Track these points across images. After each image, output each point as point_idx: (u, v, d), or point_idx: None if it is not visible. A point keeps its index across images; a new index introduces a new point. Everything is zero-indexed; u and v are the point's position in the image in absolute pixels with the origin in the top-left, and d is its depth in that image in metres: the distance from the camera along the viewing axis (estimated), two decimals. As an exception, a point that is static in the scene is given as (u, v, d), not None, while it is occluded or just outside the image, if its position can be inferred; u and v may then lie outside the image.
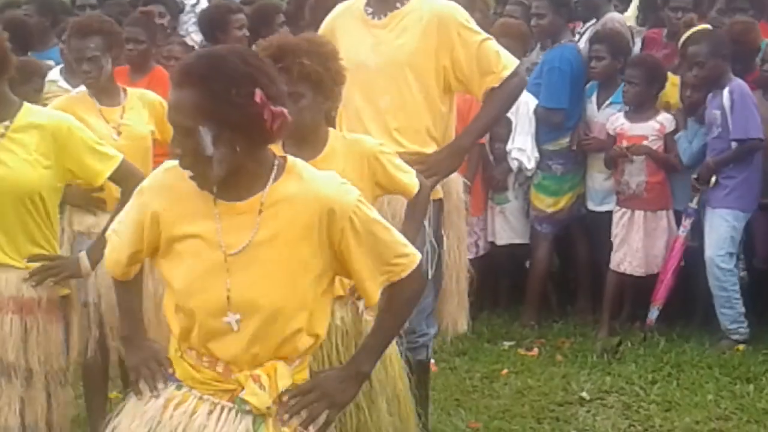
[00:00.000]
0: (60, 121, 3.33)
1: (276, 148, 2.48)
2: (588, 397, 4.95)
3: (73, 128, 3.33)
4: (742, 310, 5.42)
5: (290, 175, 2.37)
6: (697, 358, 5.35)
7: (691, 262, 5.56)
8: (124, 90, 4.36)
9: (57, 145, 3.27)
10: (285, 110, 2.28)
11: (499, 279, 6.23)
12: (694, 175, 5.46)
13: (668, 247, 5.61)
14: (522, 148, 5.73)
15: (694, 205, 5.52)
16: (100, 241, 3.15)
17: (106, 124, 4.17)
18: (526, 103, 5.64)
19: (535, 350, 5.54)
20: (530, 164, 5.77)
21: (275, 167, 2.37)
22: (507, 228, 5.93)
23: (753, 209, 5.43)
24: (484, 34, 3.90)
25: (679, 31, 5.72)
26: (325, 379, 2.47)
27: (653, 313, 5.62)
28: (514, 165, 5.81)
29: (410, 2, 3.87)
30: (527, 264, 6.09)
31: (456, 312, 4.23)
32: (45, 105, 5.43)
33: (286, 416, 2.36)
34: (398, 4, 3.87)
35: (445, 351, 5.30)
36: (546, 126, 5.80)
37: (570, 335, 5.77)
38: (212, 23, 6.03)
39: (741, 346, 5.39)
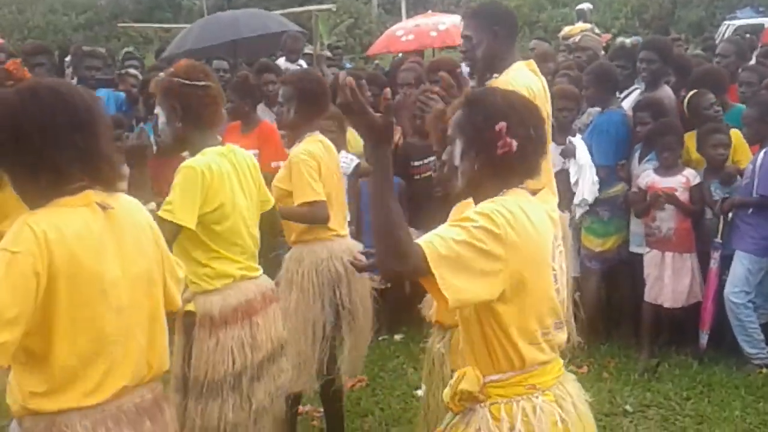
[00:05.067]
0: None
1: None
2: (631, 410, 4.96)
3: None
4: (760, 337, 5.37)
5: None
6: (725, 379, 5.31)
7: (721, 295, 5.49)
8: None
9: None
10: (515, 144, 2.30)
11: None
12: (718, 205, 5.45)
13: (691, 284, 5.58)
14: (589, 201, 5.72)
15: (718, 239, 5.49)
16: None
17: None
18: (587, 160, 5.67)
19: (585, 368, 5.54)
20: (577, 215, 5.79)
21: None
22: (562, 263, 5.98)
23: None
24: None
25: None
26: None
27: (703, 338, 5.58)
28: (578, 213, 5.77)
29: None
30: (576, 295, 6.06)
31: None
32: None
33: None
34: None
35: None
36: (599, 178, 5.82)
37: (615, 356, 5.77)
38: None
39: (764, 369, 5.34)
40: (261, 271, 3.59)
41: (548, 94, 4.01)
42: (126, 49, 12.32)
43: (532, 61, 4.00)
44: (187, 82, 3.31)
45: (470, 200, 2.49)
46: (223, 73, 7.26)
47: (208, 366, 3.34)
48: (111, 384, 2.33)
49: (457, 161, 2.39)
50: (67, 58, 9.55)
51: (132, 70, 8.14)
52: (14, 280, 2.13)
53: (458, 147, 2.40)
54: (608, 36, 16.12)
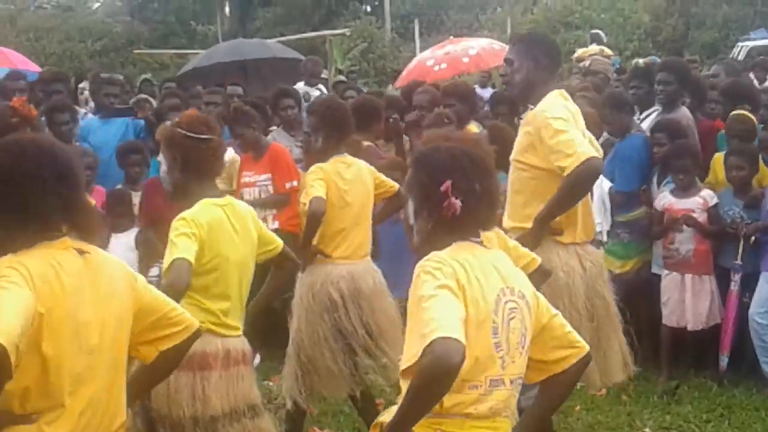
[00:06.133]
0: None
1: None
2: (650, 433, 4.92)
3: None
4: None
5: None
6: (745, 401, 5.28)
7: (742, 317, 5.45)
8: None
9: None
10: (459, 204, 2.31)
11: (572, 329, 6.19)
12: (743, 231, 5.39)
13: (710, 306, 5.53)
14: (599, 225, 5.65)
15: (739, 261, 5.45)
16: None
17: None
18: (600, 186, 5.60)
19: (604, 390, 5.38)
20: (604, 237, 5.77)
21: None
22: (582, 285, 5.94)
23: None
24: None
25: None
26: None
27: (723, 360, 5.53)
28: None
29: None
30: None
31: (622, 361, 4.20)
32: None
33: None
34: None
35: (528, 389, 5.33)
36: (618, 204, 5.82)
37: (634, 378, 5.47)
38: (369, 114, 5.88)
39: (785, 391, 5.29)
40: (239, 332, 3.47)
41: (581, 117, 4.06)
42: (144, 76, 12.44)
43: (563, 91, 4.04)
44: (189, 134, 3.35)
45: None
46: (237, 99, 7.36)
47: (167, 403, 3.30)
48: (78, 423, 2.33)
49: (411, 220, 2.43)
50: (81, 85, 9.65)
51: (147, 96, 8.22)
52: (12, 301, 2.16)
53: (411, 206, 2.44)
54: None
